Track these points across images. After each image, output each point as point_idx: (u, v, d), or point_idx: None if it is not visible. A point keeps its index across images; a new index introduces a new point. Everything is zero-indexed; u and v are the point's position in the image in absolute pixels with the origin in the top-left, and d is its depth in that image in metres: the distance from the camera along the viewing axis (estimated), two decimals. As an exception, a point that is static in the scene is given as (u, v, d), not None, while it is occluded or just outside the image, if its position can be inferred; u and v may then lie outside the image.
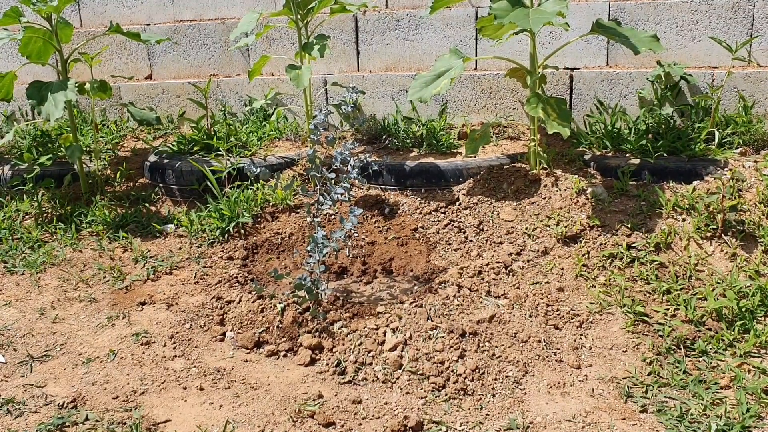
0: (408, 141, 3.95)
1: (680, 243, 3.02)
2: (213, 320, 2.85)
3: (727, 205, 3.01)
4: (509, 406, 2.31)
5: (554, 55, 3.47)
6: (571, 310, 2.80)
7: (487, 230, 3.28)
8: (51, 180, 4.05)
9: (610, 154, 3.60)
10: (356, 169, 2.96)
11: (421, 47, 4.29)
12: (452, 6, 4.08)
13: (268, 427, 2.23)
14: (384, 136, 4.10)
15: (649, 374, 2.44)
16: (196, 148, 4.09)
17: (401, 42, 4.32)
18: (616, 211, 3.22)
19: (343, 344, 2.61)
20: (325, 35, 3.63)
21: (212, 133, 4.19)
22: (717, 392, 2.32)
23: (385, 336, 2.62)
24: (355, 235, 3.35)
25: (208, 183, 3.68)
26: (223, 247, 3.39)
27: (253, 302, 2.88)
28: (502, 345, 2.58)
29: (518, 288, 2.91)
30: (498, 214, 3.35)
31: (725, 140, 3.51)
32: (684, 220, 3.11)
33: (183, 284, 3.16)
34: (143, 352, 2.65)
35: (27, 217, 3.89)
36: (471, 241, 3.24)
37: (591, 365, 2.52)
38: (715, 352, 2.52)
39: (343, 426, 2.24)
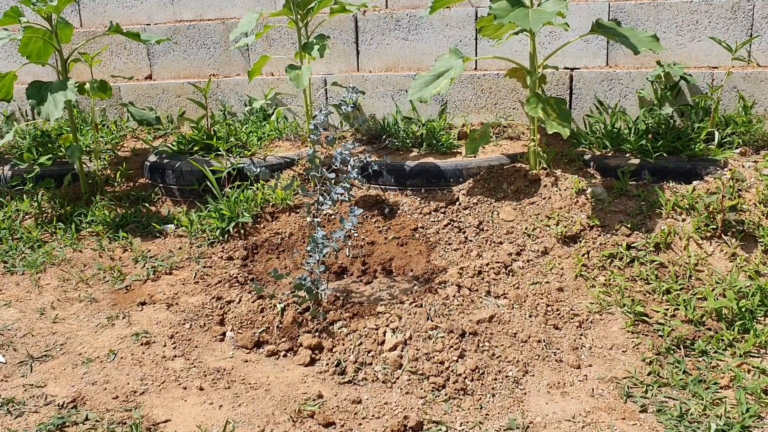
0: (408, 141, 3.95)
1: (680, 243, 3.02)
2: (213, 320, 2.85)
3: (727, 205, 3.01)
4: (509, 406, 2.31)
5: (554, 55, 3.47)
6: (571, 310, 2.80)
7: (487, 230, 3.28)
8: (51, 180, 4.05)
9: (609, 154, 3.60)
10: (356, 169, 2.96)
11: (421, 47, 4.30)
12: (452, 6, 4.08)
13: (268, 427, 2.23)
14: (384, 136, 4.10)
15: (648, 374, 2.44)
16: (196, 148, 4.09)
17: (401, 42, 4.32)
18: (616, 211, 3.22)
19: (343, 344, 2.61)
20: (325, 35, 3.63)
21: (212, 133, 4.20)
22: (717, 392, 2.32)
23: (385, 336, 2.62)
24: (355, 235, 3.35)
25: (208, 183, 3.68)
26: (223, 247, 3.39)
27: (253, 302, 2.88)
28: (502, 345, 2.58)
29: (518, 288, 2.91)
30: (498, 214, 3.35)
31: (725, 140, 3.51)
32: (684, 220, 3.12)
33: (183, 284, 3.16)
34: (143, 352, 2.65)
35: (27, 217, 3.89)
36: (471, 241, 3.25)
37: (591, 365, 2.52)
38: (715, 352, 2.53)
39: (343, 426, 2.24)
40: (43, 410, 2.32)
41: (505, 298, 2.85)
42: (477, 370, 2.45)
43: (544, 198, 3.37)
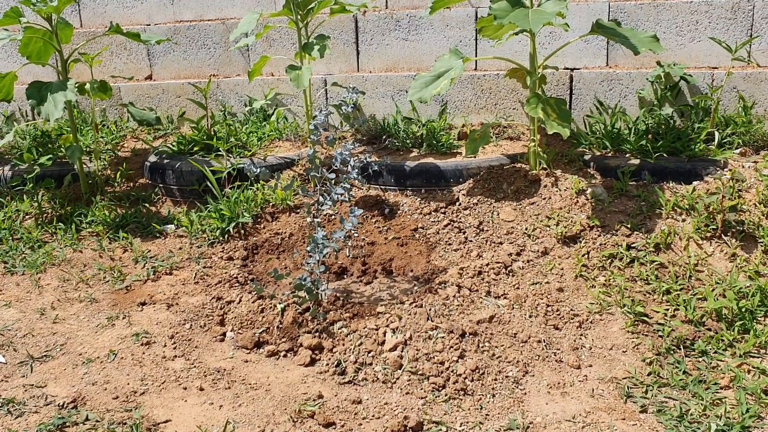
0: (408, 141, 3.95)
1: (680, 243, 3.02)
2: (213, 320, 2.85)
3: (727, 206, 3.01)
4: (509, 407, 2.31)
5: (554, 55, 3.47)
6: (571, 310, 2.80)
7: (487, 230, 3.28)
8: (51, 180, 4.05)
9: (610, 155, 3.61)
10: (356, 170, 2.96)
11: (421, 47, 4.30)
12: (452, 6, 4.08)
13: (269, 428, 2.23)
14: (384, 137, 4.10)
15: (649, 374, 2.44)
16: (196, 149, 4.09)
17: (401, 42, 4.32)
18: (616, 212, 3.22)
19: (343, 344, 2.62)
20: (325, 35, 3.63)
21: (212, 133, 4.20)
22: (717, 392, 2.32)
23: (385, 336, 2.62)
24: (355, 235, 3.35)
25: (208, 183, 3.68)
26: (223, 248, 3.39)
27: (253, 302, 2.88)
28: (502, 345, 2.58)
29: (518, 288, 2.91)
30: (498, 214, 3.35)
31: (725, 140, 3.52)
32: (684, 220, 3.12)
33: (183, 284, 3.16)
34: (143, 353, 2.65)
35: (27, 217, 3.89)
36: (471, 241, 3.25)
37: (591, 365, 2.52)
38: (715, 352, 2.53)
39: (343, 426, 2.24)
40: (44, 410, 2.32)
41: (505, 298, 2.85)
42: (477, 371, 2.45)
43: (544, 198, 3.37)
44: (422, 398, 2.36)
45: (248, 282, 3.09)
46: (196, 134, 4.15)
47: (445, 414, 2.29)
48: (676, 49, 3.84)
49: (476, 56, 4.12)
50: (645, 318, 2.71)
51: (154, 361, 2.60)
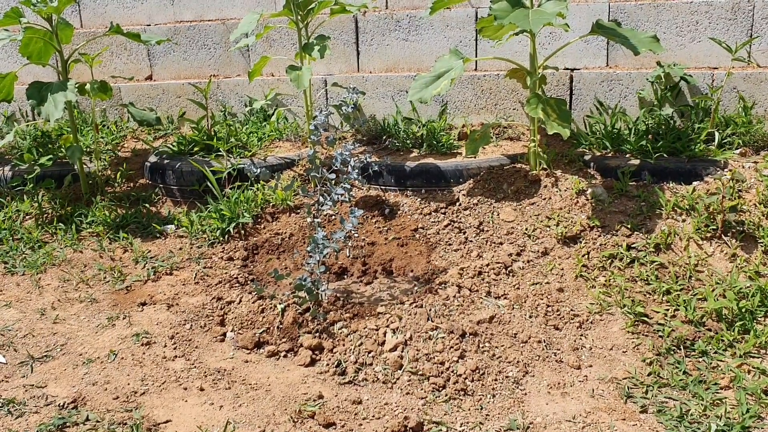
0: (408, 141, 3.95)
1: (680, 243, 3.02)
2: (213, 321, 2.85)
3: (727, 206, 3.01)
4: (509, 407, 2.31)
5: (554, 55, 3.47)
6: (571, 310, 2.80)
7: (487, 231, 3.28)
8: (51, 180, 4.05)
9: (610, 155, 3.61)
10: (356, 170, 2.96)
11: (421, 48, 4.30)
12: (452, 7, 4.08)
13: (269, 428, 2.24)
14: (384, 137, 4.10)
15: (649, 375, 2.44)
16: (196, 149, 4.09)
17: (401, 43, 4.32)
18: (616, 212, 3.22)
19: (344, 345, 2.62)
20: (325, 36, 3.63)
21: (212, 133, 4.20)
22: (717, 393, 2.33)
23: (385, 336, 2.63)
24: (356, 235, 3.35)
25: (209, 183, 3.68)
26: (224, 248, 3.39)
27: (253, 303, 2.88)
28: (503, 345, 2.58)
29: (518, 288, 2.91)
30: (498, 214, 3.35)
31: (725, 141, 3.52)
32: (684, 220, 3.12)
33: (183, 285, 3.17)
34: (144, 353, 2.65)
35: (27, 217, 3.89)
36: (471, 241, 3.25)
37: (591, 366, 2.52)
38: (715, 352, 2.53)
39: (343, 426, 2.24)
40: (44, 411, 2.33)
41: (505, 298, 2.85)
42: (477, 371, 2.45)
43: (545, 198, 3.37)
44: (422, 398, 2.36)
45: (248, 282, 3.09)
46: (196, 134, 4.15)
47: (445, 414, 2.29)
48: (676, 49, 3.84)
49: (476, 56, 4.12)
50: (645, 318, 2.71)
51: (154, 361, 2.60)
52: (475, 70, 4.25)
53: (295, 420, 2.26)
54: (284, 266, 3.23)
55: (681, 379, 2.39)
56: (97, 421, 2.26)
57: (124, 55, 4.91)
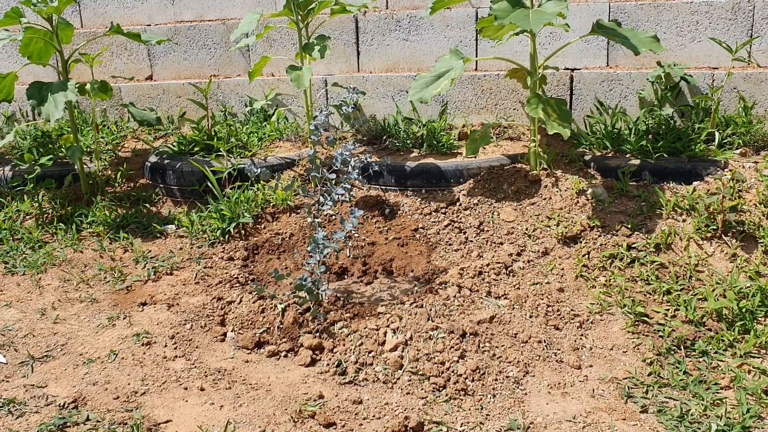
0: (408, 141, 3.95)
1: (680, 243, 3.02)
2: (214, 321, 2.85)
3: (727, 206, 3.01)
4: (510, 407, 2.31)
5: (554, 55, 3.48)
6: (572, 310, 2.80)
7: (488, 231, 3.28)
8: (52, 180, 4.05)
9: (610, 155, 3.61)
10: (357, 170, 2.96)
11: (421, 48, 4.30)
12: (452, 7, 4.08)
13: (269, 428, 2.24)
14: (384, 137, 4.10)
15: (649, 375, 2.44)
16: (196, 149, 4.09)
17: (401, 43, 4.32)
18: (617, 212, 3.22)
19: (344, 345, 2.62)
20: (325, 36, 3.63)
21: (213, 133, 4.20)
22: (717, 393, 2.33)
23: (385, 336, 2.63)
24: (356, 235, 3.35)
25: (209, 183, 3.68)
26: (224, 248, 3.39)
27: (253, 303, 2.88)
28: (503, 345, 2.58)
29: (519, 288, 2.91)
30: (498, 214, 3.35)
31: (725, 141, 3.52)
32: (684, 220, 3.12)
33: (184, 285, 3.17)
34: (144, 353, 2.66)
35: (28, 217, 3.89)
36: (471, 241, 3.25)
37: (591, 366, 2.52)
38: (716, 352, 2.53)
39: (343, 426, 2.24)
40: (44, 410, 2.33)
41: (505, 298, 2.85)
42: (478, 371, 2.45)
43: (545, 198, 3.37)
44: (423, 398, 2.36)
45: (249, 282, 3.09)
46: (196, 134, 4.15)
47: (445, 414, 2.29)
48: (677, 49, 3.84)
49: (477, 56, 4.12)
50: (645, 318, 2.71)
51: (154, 361, 2.60)
52: (476, 70, 4.25)
53: (296, 420, 2.26)
54: (284, 266, 3.23)
55: (681, 379, 2.39)
56: (98, 421, 2.26)
57: (124, 55, 4.91)
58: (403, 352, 2.56)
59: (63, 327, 2.89)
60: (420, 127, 4.04)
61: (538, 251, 3.12)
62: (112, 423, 2.25)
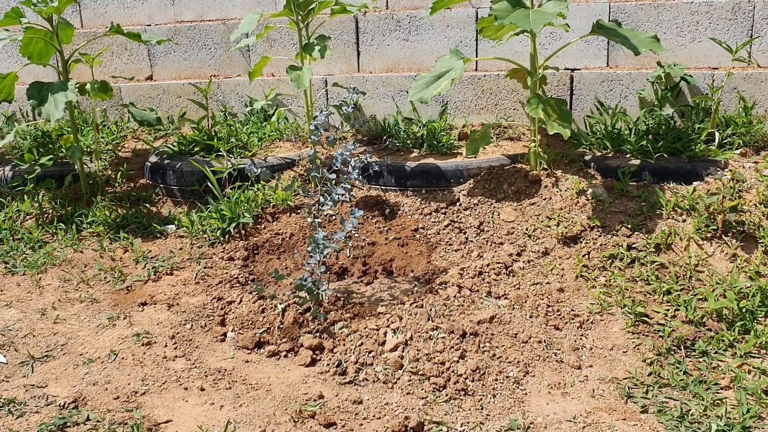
0: (408, 142, 3.95)
1: (680, 244, 3.02)
2: (214, 321, 2.85)
3: (728, 206, 3.01)
4: (510, 407, 2.31)
5: (555, 55, 3.48)
6: (572, 310, 2.80)
7: (488, 231, 3.28)
8: (52, 180, 4.05)
9: (610, 155, 3.61)
10: (357, 170, 2.96)
11: (421, 48, 4.30)
12: (453, 7, 4.08)
13: (269, 428, 2.24)
14: (384, 137, 4.10)
15: (649, 375, 2.44)
16: (196, 149, 4.09)
17: (402, 43, 4.32)
18: (617, 212, 3.22)
19: (344, 345, 2.62)
20: (325, 36, 3.64)
21: (213, 133, 4.20)
22: (717, 393, 2.33)
23: (385, 336, 2.63)
24: (356, 235, 3.35)
25: (209, 183, 3.68)
26: (224, 248, 3.40)
27: (254, 303, 2.88)
28: (503, 345, 2.58)
29: (519, 288, 2.91)
30: (498, 214, 3.35)
31: (725, 141, 3.52)
32: (684, 220, 3.12)
33: (184, 285, 3.17)
34: (144, 353, 2.66)
35: (28, 217, 3.89)
36: (471, 241, 3.25)
37: (591, 366, 2.52)
38: (716, 352, 2.53)
39: (344, 426, 2.24)
40: (45, 410, 2.33)
41: (505, 298, 2.85)
42: (478, 371, 2.45)
43: (545, 199, 3.37)
44: (423, 398, 2.36)
45: (249, 282, 3.09)
46: (196, 134, 4.15)
47: (445, 414, 2.29)
48: (677, 49, 3.84)
49: (477, 57, 4.12)
50: (645, 318, 2.71)
51: (155, 361, 2.61)
52: (476, 70, 4.25)
53: (296, 420, 2.26)
54: (285, 266, 3.23)
55: (681, 379, 2.39)
56: (98, 421, 2.26)
57: (124, 55, 4.91)
58: (403, 352, 2.56)
59: (63, 327, 2.89)
60: (420, 127, 4.04)
61: (538, 251, 3.12)
62: (112, 423, 2.25)
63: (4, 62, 5.11)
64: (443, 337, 2.59)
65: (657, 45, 3.14)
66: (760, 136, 3.49)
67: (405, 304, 2.80)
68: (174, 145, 4.13)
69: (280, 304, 2.83)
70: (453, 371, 2.45)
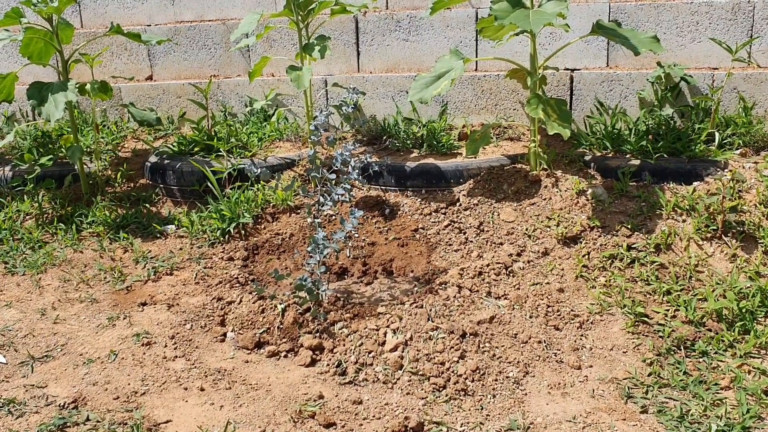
0: (408, 142, 3.95)
1: (680, 244, 3.02)
2: (214, 321, 2.85)
3: (727, 206, 3.01)
4: (510, 407, 2.31)
5: (554, 56, 3.48)
6: (572, 310, 2.80)
7: (488, 231, 3.28)
8: (52, 181, 4.05)
9: (610, 155, 3.61)
10: (357, 170, 2.96)
11: (421, 48, 4.30)
12: (452, 7, 4.08)
13: (269, 428, 2.24)
14: (384, 137, 4.10)
15: (649, 375, 2.44)
16: (196, 149, 4.09)
17: (402, 43, 4.32)
18: (617, 212, 3.22)
19: (344, 345, 2.62)
20: (325, 36, 3.64)
21: (213, 133, 4.20)
22: (717, 393, 2.33)
23: (385, 337, 2.63)
24: (356, 235, 3.35)
25: (209, 184, 3.68)
26: (224, 248, 3.39)
27: (253, 303, 2.88)
28: (503, 346, 2.58)
29: (519, 289, 2.91)
30: (498, 214, 3.35)
31: (725, 141, 3.52)
32: (684, 221, 3.12)
33: (184, 285, 3.17)
34: (144, 353, 2.66)
35: (28, 217, 3.89)
36: (471, 241, 3.25)
37: (591, 366, 2.52)
38: (716, 352, 2.53)
39: (343, 426, 2.24)
40: (44, 411, 2.33)
41: (505, 298, 2.85)
42: (478, 371, 2.45)
43: (545, 199, 3.37)
44: (423, 399, 2.36)
45: (249, 282, 3.09)
46: (196, 135, 4.15)
47: (445, 414, 2.29)
48: (677, 49, 3.84)
49: (477, 57, 4.12)
50: (645, 318, 2.71)
51: (154, 361, 2.60)
52: (476, 70, 4.25)
53: (296, 420, 2.26)
54: (285, 266, 3.23)
55: (681, 380, 2.39)
56: (98, 421, 2.26)
57: (124, 55, 4.91)
58: (403, 352, 2.56)
59: (63, 327, 2.89)
60: (420, 127, 4.04)
61: (538, 251, 3.12)
62: (112, 423, 2.25)
63: (4, 62, 5.11)
64: (443, 338, 2.59)
65: (657, 45, 3.14)
66: (760, 136, 3.49)
67: (405, 305, 2.80)
68: (174, 145, 4.13)
69: (280, 304, 2.83)
70: (453, 371, 2.45)
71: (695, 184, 3.26)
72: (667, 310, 2.73)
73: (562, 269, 3.02)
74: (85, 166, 4.05)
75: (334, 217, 3.52)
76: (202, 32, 4.71)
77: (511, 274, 3.01)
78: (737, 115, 3.60)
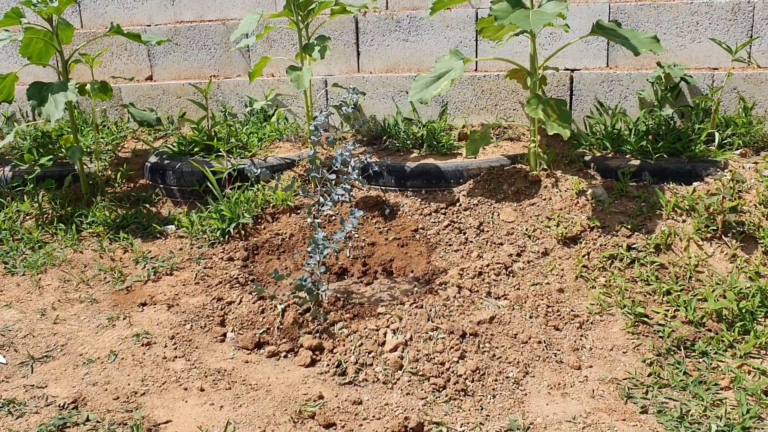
0: (408, 142, 3.95)
1: (680, 244, 3.02)
2: (214, 321, 2.85)
3: (727, 207, 3.01)
4: (510, 407, 2.31)
5: (554, 56, 3.48)
6: (572, 311, 2.80)
7: (488, 231, 3.28)
8: (51, 181, 4.05)
9: (610, 155, 3.61)
10: (357, 170, 2.96)
11: (421, 48, 4.30)
12: (452, 7, 4.08)
13: (269, 428, 2.24)
14: (384, 137, 4.10)
15: (649, 375, 2.44)
16: (196, 149, 4.09)
17: (401, 43, 4.32)
18: (617, 212, 3.22)
19: (344, 345, 2.62)
20: (325, 36, 3.64)
21: (213, 134, 4.20)
22: (717, 393, 2.33)
23: (385, 337, 2.63)
24: (356, 236, 3.35)
25: (209, 184, 3.68)
26: (224, 248, 3.39)
27: (253, 303, 2.88)
28: (503, 346, 2.58)
29: (518, 289, 2.91)
30: (498, 215, 3.35)
31: (725, 141, 3.52)
32: (684, 221, 3.12)
33: (184, 285, 3.17)
34: (144, 353, 2.66)
35: (28, 218, 3.89)
36: (471, 242, 3.25)
37: (591, 366, 2.52)
38: (715, 353, 2.53)
39: (343, 427, 2.24)
40: (44, 411, 2.33)
41: (505, 299, 2.85)
42: (477, 371, 2.45)
43: (545, 199, 3.37)
44: (423, 399, 2.36)
45: (249, 283, 3.09)
46: (196, 135, 4.15)
47: (445, 414, 2.29)
48: (677, 50, 3.84)
49: (477, 57, 4.12)
50: (645, 319, 2.71)
51: (154, 361, 2.61)
52: (476, 70, 4.25)
53: (296, 420, 2.26)
54: (284, 266, 3.23)
55: (681, 380, 2.39)
56: (98, 422, 2.26)
57: (124, 55, 4.91)
58: (403, 352, 2.56)
59: (63, 327, 2.89)
60: (420, 127, 4.04)
61: (538, 252, 3.12)
62: (112, 423, 2.25)
63: (4, 62, 5.11)
64: (443, 338, 2.59)
65: (657, 45, 3.14)
66: (759, 136, 3.49)
67: (405, 305, 2.80)
68: (174, 146, 4.13)
69: (280, 304, 2.83)
70: (453, 372, 2.45)
71: (695, 184, 3.26)
72: (667, 311, 2.73)
73: (562, 269, 3.02)
74: (85, 167, 4.05)
75: (334, 217, 3.53)
76: (202, 32, 4.71)
77: (511, 275, 3.01)
78: (737, 115, 3.60)
